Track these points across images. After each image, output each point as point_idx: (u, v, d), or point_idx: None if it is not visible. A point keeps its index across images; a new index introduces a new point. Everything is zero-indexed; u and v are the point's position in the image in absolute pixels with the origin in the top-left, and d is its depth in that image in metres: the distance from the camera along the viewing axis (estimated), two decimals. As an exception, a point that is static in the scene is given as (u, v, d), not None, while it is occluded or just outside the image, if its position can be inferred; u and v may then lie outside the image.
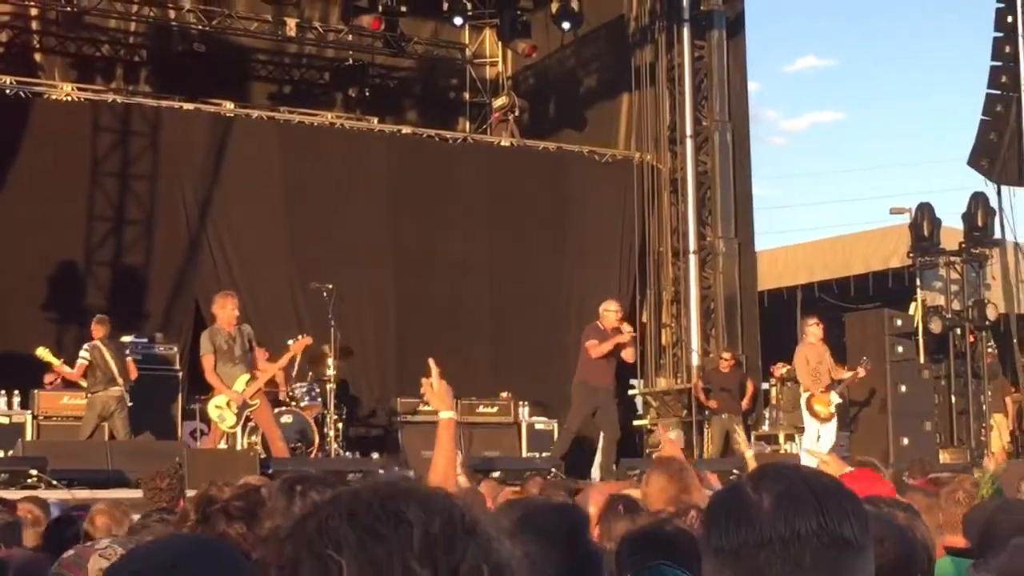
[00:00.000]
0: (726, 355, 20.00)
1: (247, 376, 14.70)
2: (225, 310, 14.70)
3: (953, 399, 22.53)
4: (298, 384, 17.13)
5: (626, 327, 15.97)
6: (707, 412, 20.16)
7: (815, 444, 17.60)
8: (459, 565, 1.36)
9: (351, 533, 1.38)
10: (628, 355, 16.12)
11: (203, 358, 14.69)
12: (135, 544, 3.25)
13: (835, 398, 17.79)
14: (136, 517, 5.58)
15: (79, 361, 15.45)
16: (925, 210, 22.69)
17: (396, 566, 1.35)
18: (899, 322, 20.70)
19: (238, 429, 14.97)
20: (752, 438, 20.40)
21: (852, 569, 1.86)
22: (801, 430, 20.33)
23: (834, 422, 17.63)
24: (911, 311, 22.26)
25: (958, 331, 22.63)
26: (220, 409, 14.73)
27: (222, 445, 15.07)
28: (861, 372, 18.26)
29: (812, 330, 17.95)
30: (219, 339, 14.60)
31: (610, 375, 16.06)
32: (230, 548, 2.47)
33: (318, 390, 17.11)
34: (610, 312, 16.04)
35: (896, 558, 2.93)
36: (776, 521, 1.84)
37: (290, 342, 15.90)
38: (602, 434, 16.47)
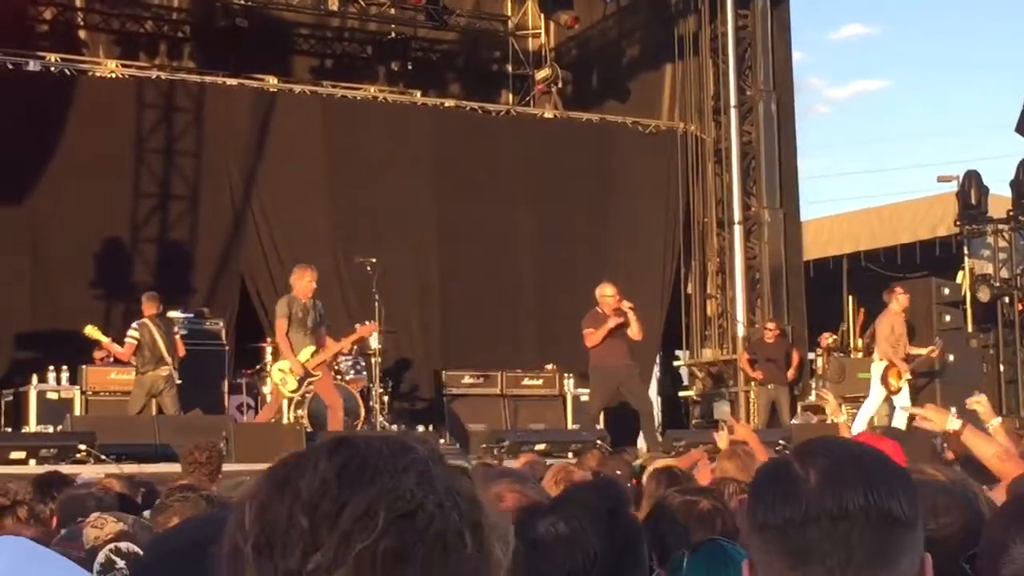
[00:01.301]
0: (770, 325, 19.94)
1: (313, 348, 15.01)
2: (302, 281, 15.00)
3: (1002, 368, 22.40)
4: (344, 357, 17.20)
5: (625, 305, 15.69)
6: (753, 383, 20.11)
7: (875, 410, 17.50)
8: (341, 511, 1.32)
9: (264, 482, 1.39)
10: (634, 332, 15.79)
11: (278, 321, 15.05)
12: (123, 514, 3.27)
13: (906, 374, 17.58)
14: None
15: (127, 340, 15.49)
16: (972, 178, 22.52)
17: (282, 511, 1.34)
18: (947, 291, 20.57)
19: (296, 396, 15.17)
20: (799, 408, 20.36)
21: (901, 545, 1.83)
22: (849, 400, 20.26)
23: (906, 393, 17.45)
24: (959, 280, 22.14)
25: (1006, 299, 22.49)
26: (283, 373, 15.08)
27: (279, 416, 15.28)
28: (935, 352, 18.17)
29: (899, 299, 17.75)
30: (295, 307, 14.94)
31: (623, 354, 15.81)
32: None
33: (363, 363, 17.17)
34: (607, 297, 15.81)
35: (963, 530, 2.89)
36: (823, 497, 1.82)
37: (357, 325, 16.03)
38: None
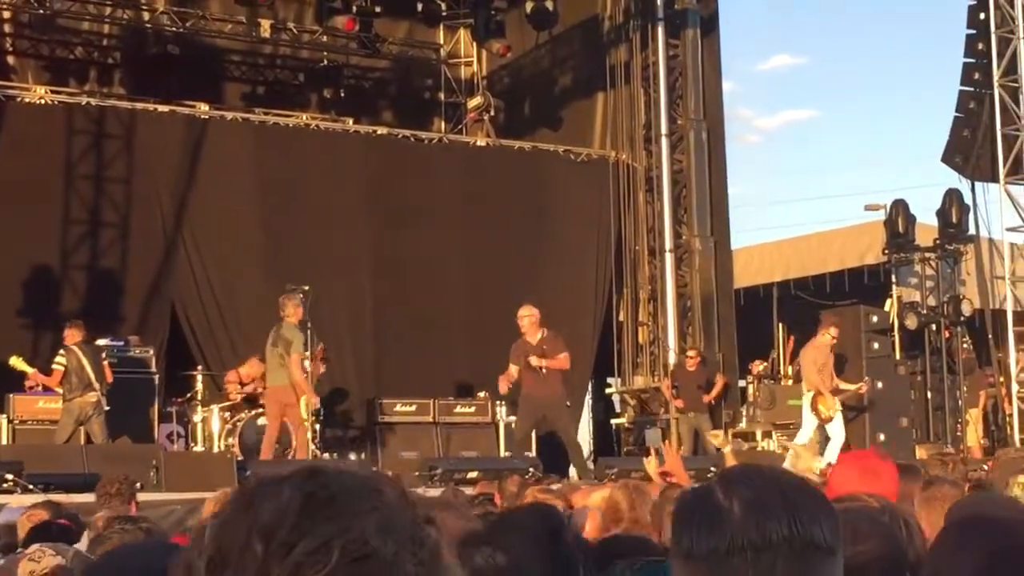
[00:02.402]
0: (691, 353, 20.03)
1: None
2: (299, 310, 15.44)
3: (929, 395, 22.65)
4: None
5: (534, 361, 15.72)
6: (674, 410, 20.18)
7: (808, 440, 17.58)
8: (299, 541, 1.33)
9: (229, 505, 1.40)
10: (533, 361, 15.76)
11: (298, 356, 15.33)
12: (66, 548, 3.22)
13: (837, 403, 17.66)
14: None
15: (54, 367, 15.35)
16: (900, 207, 22.81)
17: (240, 534, 1.35)
18: (875, 318, 20.77)
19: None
20: (729, 435, 20.43)
21: (822, 573, 1.86)
22: (778, 427, 20.41)
23: (838, 420, 17.52)
24: (887, 307, 22.35)
25: (933, 327, 22.76)
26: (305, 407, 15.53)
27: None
28: (863, 389, 18.32)
29: (826, 338, 17.75)
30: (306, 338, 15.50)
31: (549, 384, 15.90)
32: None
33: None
34: (522, 319, 15.99)
35: (881, 557, 2.93)
36: (747, 527, 1.82)
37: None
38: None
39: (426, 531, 1.41)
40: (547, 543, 3.28)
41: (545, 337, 15.88)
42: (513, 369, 15.86)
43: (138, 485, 8.91)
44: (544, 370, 15.77)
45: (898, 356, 21.69)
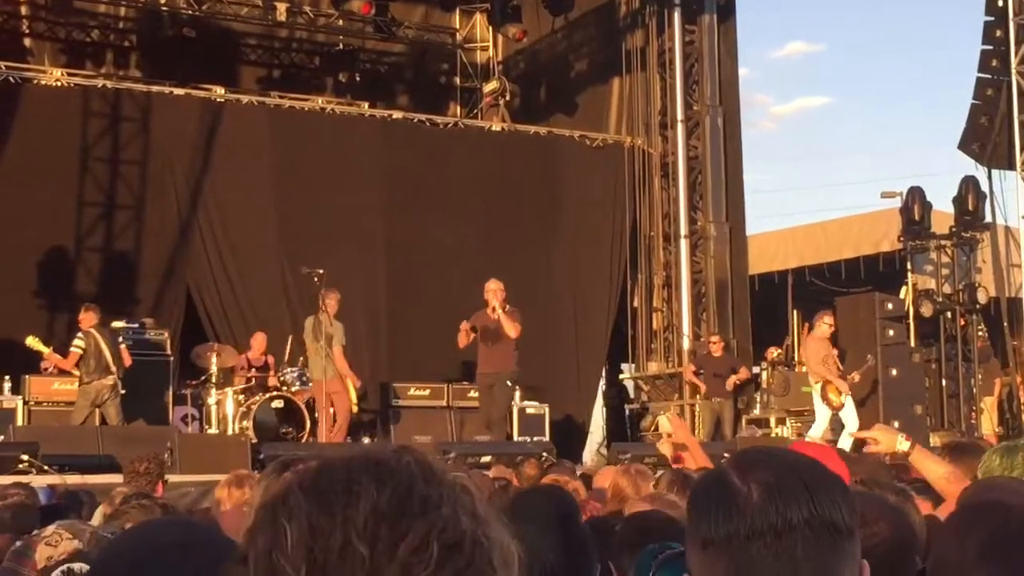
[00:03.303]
0: (715, 339, 20.00)
1: None
2: (336, 304, 16.08)
3: (944, 382, 22.58)
4: (289, 369, 17.12)
5: (490, 307, 15.98)
6: (698, 396, 20.15)
7: (823, 431, 17.55)
8: (401, 540, 1.34)
9: (304, 502, 1.38)
10: (492, 301, 16.02)
11: (340, 347, 15.99)
12: (83, 528, 3.20)
13: (847, 389, 17.62)
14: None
15: (72, 350, 15.36)
16: (916, 194, 22.73)
17: (336, 538, 1.35)
18: (890, 306, 20.71)
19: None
20: (744, 421, 20.43)
21: (842, 555, 1.83)
22: (792, 413, 20.39)
23: (850, 406, 17.46)
24: (902, 295, 22.29)
25: (949, 315, 22.68)
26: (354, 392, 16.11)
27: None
28: (863, 372, 18.28)
29: (823, 328, 17.71)
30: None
31: (491, 360, 16.15)
32: (217, 528, 2.48)
33: (309, 375, 17.10)
34: (494, 292, 16.13)
35: (890, 539, 2.92)
36: (767, 512, 1.80)
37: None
38: None
39: (481, 505, 1.44)
40: (559, 527, 3.26)
41: (506, 311, 16.02)
42: (466, 325, 16.08)
43: (168, 463, 8.87)
44: (496, 316, 15.91)
45: (913, 343, 21.63)
